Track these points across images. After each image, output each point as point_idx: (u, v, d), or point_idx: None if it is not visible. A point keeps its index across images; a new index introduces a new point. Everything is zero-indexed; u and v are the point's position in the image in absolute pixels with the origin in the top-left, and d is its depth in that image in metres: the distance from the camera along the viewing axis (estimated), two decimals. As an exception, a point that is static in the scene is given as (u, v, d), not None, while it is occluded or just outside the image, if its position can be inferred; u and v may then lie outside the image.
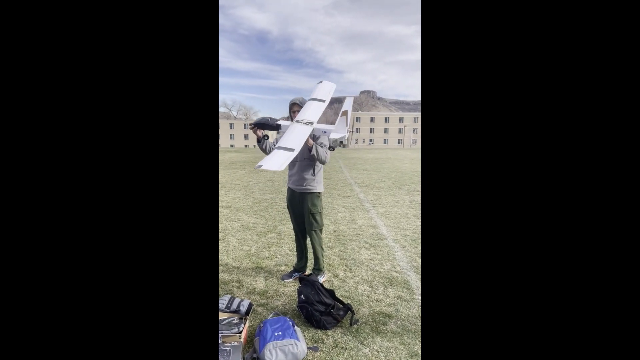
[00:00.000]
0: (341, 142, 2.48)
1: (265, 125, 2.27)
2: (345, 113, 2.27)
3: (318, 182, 2.51)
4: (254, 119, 2.46)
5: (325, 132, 2.26)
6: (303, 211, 2.53)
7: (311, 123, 2.03)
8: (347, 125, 2.26)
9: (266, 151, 2.37)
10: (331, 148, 2.44)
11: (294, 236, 2.74)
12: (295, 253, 2.83)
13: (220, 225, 4.27)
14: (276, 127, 2.27)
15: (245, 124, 63.53)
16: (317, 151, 2.33)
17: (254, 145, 58.94)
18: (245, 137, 64.04)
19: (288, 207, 2.65)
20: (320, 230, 2.58)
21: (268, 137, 2.40)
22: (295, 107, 2.43)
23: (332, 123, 2.34)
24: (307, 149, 2.33)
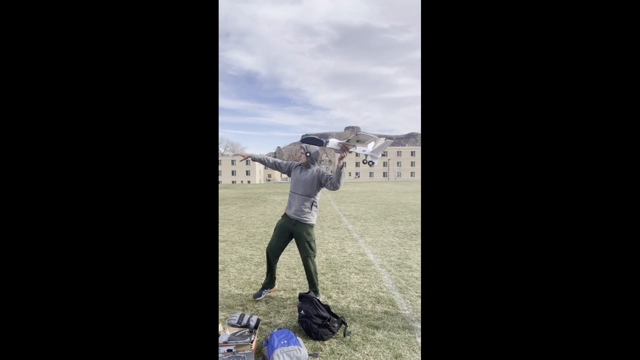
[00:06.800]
0: (371, 161, 2.97)
1: (312, 140, 2.82)
2: (379, 143, 2.85)
3: (313, 216, 2.92)
4: (242, 154, 3.15)
5: (364, 151, 2.80)
6: (296, 238, 2.92)
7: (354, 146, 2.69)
8: (380, 152, 2.83)
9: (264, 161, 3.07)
10: (371, 163, 2.97)
11: (265, 255, 3.10)
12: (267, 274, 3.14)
13: (219, 258, 4.53)
14: (322, 143, 2.83)
15: (232, 160, 64.74)
16: (341, 172, 2.70)
17: (242, 182, 59.23)
18: (233, 173, 64.76)
19: (276, 228, 3.02)
20: (314, 256, 2.95)
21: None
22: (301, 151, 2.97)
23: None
24: (312, 185, 2.85)
